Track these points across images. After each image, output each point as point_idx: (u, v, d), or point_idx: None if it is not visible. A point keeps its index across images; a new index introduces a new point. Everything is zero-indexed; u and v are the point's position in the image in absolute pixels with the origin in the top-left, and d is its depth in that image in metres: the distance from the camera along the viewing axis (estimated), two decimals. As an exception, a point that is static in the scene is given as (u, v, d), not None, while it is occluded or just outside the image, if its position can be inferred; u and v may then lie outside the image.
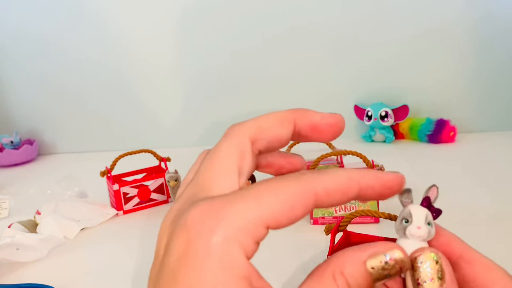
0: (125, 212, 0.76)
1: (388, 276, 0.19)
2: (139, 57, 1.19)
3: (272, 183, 0.19)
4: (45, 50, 1.21)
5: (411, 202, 0.21)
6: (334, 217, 0.64)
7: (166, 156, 0.80)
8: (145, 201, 0.78)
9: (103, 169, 0.76)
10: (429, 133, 1.05)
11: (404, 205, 0.22)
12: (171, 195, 0.73)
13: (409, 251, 0.20)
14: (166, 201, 0.79)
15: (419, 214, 0.21)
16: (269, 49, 1.15)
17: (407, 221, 0.21)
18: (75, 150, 1.29)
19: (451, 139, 1.05)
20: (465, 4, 1.05)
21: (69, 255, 0.62)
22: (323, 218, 0.64)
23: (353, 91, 1.16)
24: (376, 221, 0.63)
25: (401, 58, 1.11)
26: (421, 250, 0.20)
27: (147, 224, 0.71)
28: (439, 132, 1.04)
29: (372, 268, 0.19)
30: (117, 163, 0.76)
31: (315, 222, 0.64)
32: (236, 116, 1.20)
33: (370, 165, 0.64)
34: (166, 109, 1.23)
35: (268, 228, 0.18)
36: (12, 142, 1.20)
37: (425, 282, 0.19)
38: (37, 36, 1.20)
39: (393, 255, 0.19)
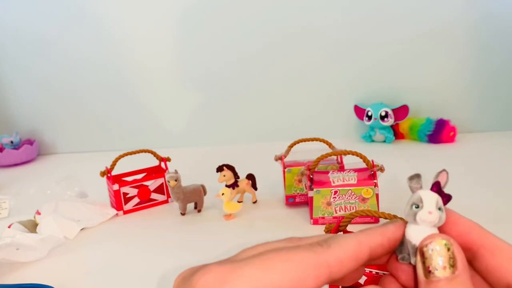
0: (125, 212, 0.76)
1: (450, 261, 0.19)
2: (139, 57, 1.19)
3: (283, 252, 0.19)
4: (46, 50, 1.21)
5: (421, 187, 0.21)
6: (334, 217, 0.64)
7: (166, 156, 0.80)
8: (145, 201, 0.78)
9: (103, 169, 0.76)
10: (429, 133, 1.05)
11: (413, 190, 0.21)
12: (171, 195, 0.73)
13: (419, 237, 0.20)
14: (166, 201, 0.79)
15: (430, 199, 0.20)
16: (270, 50, 1.15)
17: (417, 207, 0.20)
18: (75, 150, 1.29)
19: (451, 139, 1.05)
20: (465, 5, 1.05)
21: (69, 255, 0.62)
22: (323, 218, 0.64)
23: (353, 91, 1.16)
24: (376, 221, 0.63)
25: (401, 58, 1.11)
26: (431, 237, 0.19)
27: (147, 224, 0.71)
28: (439, 132, 1.04)
29: (429, 274, 0.19)
30: (117, 163, 0.76)
31: (315, 222, 0.64)
32: (236, 116, 1.21)
33: (370, 165, 0.64)
34: (166, 109, 1.23)
35: None
36: (12, 142, 1.20)
37: (437, 270, 0.19)
38: (37, 36, 1.20)
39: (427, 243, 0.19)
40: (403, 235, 0.21)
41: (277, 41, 1.14)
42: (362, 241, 0.20)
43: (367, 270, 0.40)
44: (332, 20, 1.11)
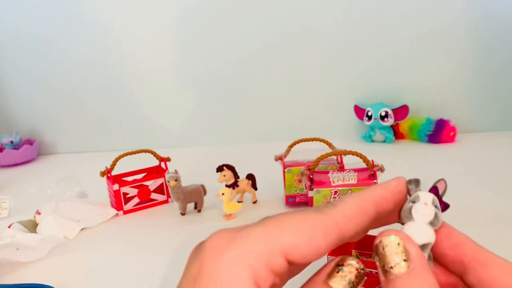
0: (125, 212, 0.76)
1: (353, 286, 0.19)
2: (139, 57, 1.19)
3: (292, 214, 0.19)
4: (46, 50, 1.21)
5: (416, 190, 0.21)
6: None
7: (166, 156, 0.80)
8: (145, 201, 0.78)
9: (103, 169, 0.76)
10: (429, 133, 1.05)
11: (411, 193, 0.21)
12: (171, 195, 0.73)
13: (416, 234, 0.19)
14: (166, 201, 0.79)
15: (427, 195, 0.20)
16: (270, 50, 1.15)
17: (414, 202, 0.20)
18: (75, 150, 1.29)
19: (451, 139, 1.05)
20: (465, 5, 1.05)
21: (69, 255, 0.62)
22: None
23: (353, 91, 1.16)
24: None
25: (401, 58, 1.11)
26: (381, 235, 0.19)
27: (147, 224, 0.71)
28: (439, 132, 1.04)
29: (332, 281, 0.19)
30: (117, 163, 0.76)
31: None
32: (236, 116, 1.21)
33: (370, 165, 0.63)
34: (166, 109, 1.23)
35: (287, 258, 0.18)
36: (12, 142, 1.20)
37: (392, 267, 0.18)
38: (37, 36, 1.20)
39: (343, 261, 0.19)
40: (406, 189, 0.21)
41: (277, 41, 1.14)
42: (365, 196, 0.20)
43: (367, 270, 0.40)
44: (332, 20, 1.11)
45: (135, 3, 1.15)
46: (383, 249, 0.19)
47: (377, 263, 0.19)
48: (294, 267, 0.19)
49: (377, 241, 0.19)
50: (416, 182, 0.21)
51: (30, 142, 1.25)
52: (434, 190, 0.21)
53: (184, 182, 0.72)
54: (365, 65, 1.13)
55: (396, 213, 0.22)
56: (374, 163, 0.64)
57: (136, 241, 0.65)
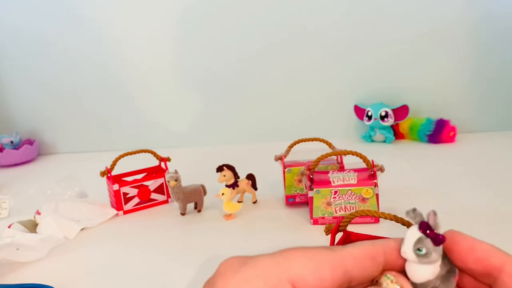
0: (125, 212, 0.76)
1: None
2: (139, 57, 1.19)
3: (302, 248, 0.20)
4: (46, 50, 1.21)
5: (417, 220, 0.21)
6: (334, 217, 0.64)
7: (166, 156, 0.80)
8: (145, 201, 0.77)
9: (103, 169, 0.76)
10: (429, 133, 1.05)
11: (408, 226, 0.21)
12: (171, 195, 0.73)
13: (410, 272, 0.20)
14: (166, 201, 0.79)
15: (409, 238, 0.20)
16: (270, 50, 1.15)
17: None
18: (75, 150, 1.29)
19: (451, 139, 1.05)
20: (465, 5, 1.05)
21: (69, 255, 0.62)
22: (323, 218, 0.64)
23: (353, 91, 1.16)
24: (376, 221, 0.63)
25: (401, 58, 1.11)
26: (380, 275, 0.20)
27: (147, 224, 0.71)
28: (439, 132, 1.04)
29: None
30: (117, 163, 0.76)
31: (315, 222, 0.64)
32: (236, 116, 1.21)
33: (370, 165, 0.64)
34: (166, 109, 1.23)
35: (293, 285, 0.18)
36: (12, 142, 1.20)
37: None
38: (37, 36, 1.20)
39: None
40: None
41: (277, 41, 1.14)
42: (376, 243, 0.21)
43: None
44: (332, 20, 1.11)
45: (135, 4, 1.15)
46: (381, 285, 0.20)
47: None
48: None
49: (378, 281, 0.21)
50: (413, 212, 0.21)
51: (30, 142, 1.25)
52: (421, 227, 0.20)
53: (184, 182, 0.72)
54: (365, 65, 1.13)
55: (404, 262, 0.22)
56: (374, 163, 0.64)
57: (136, 241, 0.65)
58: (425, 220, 0.20)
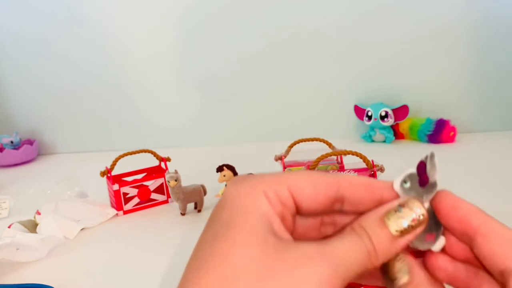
0: (125, 212, 0.76)
1: (407, 228, 0.19)
2: (139, 57, 1.19)
3: (301, 170, 0.22)
4: (46, 50, 1.21)
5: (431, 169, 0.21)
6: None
7: (166, 156, 0.80)
8: (145, 201, 0.77)
9: (103, 169, 0.76)
10: (429, 133, 1.05)
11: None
12: (171, 195, 0.73)
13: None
14: (166, 201, 0.79)
15: (404, 173, 0.21)
16: (270, 50, 1.15)
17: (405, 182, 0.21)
18: (75, 150, 1.29)
19: (451, 139, 1.05)
20: (465, 5, 1.05)
21: (69, 255, 0.62)
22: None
23: (353, 91, 1.16)
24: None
25: (401, 58, 1.11)
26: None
27: (147, 224, 0.71)
28: (439, 132, 1.04)
29: (388, 218, 0.20)
30: (117, 163, 0.76)
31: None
32: (236, 116, 1.21)
33: (370, 165, 0.63)
34: (166, 109, 1.23)
35: (292, 195, 0.21)
36: (12, 142, 1.20)
37: (396, 279, 0.20)
38: (37, 36, 1.20)
39: (407, 203, 0.20)
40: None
41: (277, 41, 1.14)
42: (373, 179, 0.22)
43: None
44: (332, 20, 1.11)
45: (135, 3, 1.15)
46: (388, 264, 0.20)
47: (385, 275, 0.21)
48: (301, 213, 0.22)
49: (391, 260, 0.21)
50: (431, 159, 0.21)
51: (30, 142, 1.25)
52: (419, 164, 0.21)
53: (184, 182, 0.72)
54: (365, 65, 1.13)
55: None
56: (374, 163, 0.64)
57: (136, 241, 0.65)
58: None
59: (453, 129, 1.05)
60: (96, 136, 1.28)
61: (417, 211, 0.20)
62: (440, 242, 0.21)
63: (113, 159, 0.76)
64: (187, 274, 0.19)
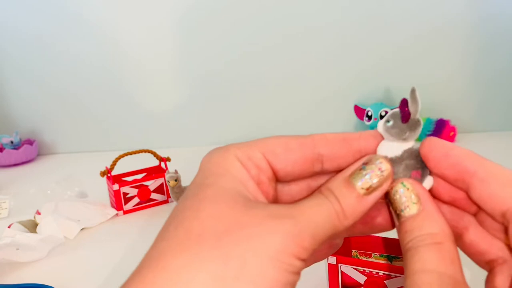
0: (125, 212, 0.76)
1: (373, 184, 0.19)
2: (139, 57, 1.19)
3: (277, 135, 0.22)
4: (46, 50, 1.21)
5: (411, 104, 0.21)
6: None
7: (166, 156, 0.80)
8: (145, 201, 0.78)
9: (103, 169, 0.76)
10: (429, 133, 1.05)
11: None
12: (171, 195, 0.73)
13: (383, 149, 0.21)
14: (166, 201, 0.79)
15: (387, 114, 0.21)
16: (270, 50, 1.15)
17: (388, 121, 0.21)
18: (75, 150, 1.29)
19: (451, 139, 1.05)
20: (465, 5, 1.05)
21: (69, 255, 0.62)
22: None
23: (353, 91, 1.16)
24: None
25: (401, 58, 1.11)
26: (392, 183, 0.20)
27: (147, 224, 0.71)
28: (439, 132, 1.04)
29: (353, 177, 0.20)
30: (117, 163, 0.76)
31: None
32: (236, 116, 1.21)
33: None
34: (167, 109, 1.23)
35: (264, 155, 0.21)
36: (12, 142, 1.20)
37: (402, 210, 0.20)
38: (37, 36, 1.20)
39: (370, 160, 0.20)
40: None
41: (277, 41, 1.14)
42: (351, 132, 0.23)
43: (367, 270, 0.40)
44: (332, 20, 1.11)
45: (134, 4, 1.15)
46: (394, 195, 0.20)
47: (391, 210, 0.20)
48: (281, 179, 0.22)
49: (388, 188, 0.20)
50: (413, 94, 0.21)
51: (30, 142, 1.25)
52: (402, 101, 0.21)
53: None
54: (365, 65, 1.13)
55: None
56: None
57: (136, 241, 0.65)
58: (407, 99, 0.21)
59: (453, 129, 1.05)
60: (96, 136, 1.28)
61: (381, 166, 0.20)
62: (428, 181, 0.21)
63: (113, 159, 0.76)
64: (160, 233, 0.20)
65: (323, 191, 0.20)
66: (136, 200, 0.77)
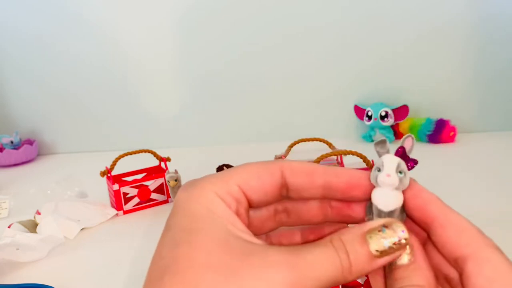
0: (125, 212, 0.76)
1: (388, 250, 0.19)
2: (139, 57, 1.19)
3: (246, 164, 0.22)
4: (46, 50, 1.21)
5: (387, 152, 0.22)
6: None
7: (166, 156, 0.80)
8: (145, 201, 0.77)
9: (103, 169, 0.76)
10: (429, 133, 1.05)
11: (379, 155, 0.22)
12: (171, 195, 0.73)
13: (382, 200, 0.21)
14: (166, 201, 0.79)
15: (391, 162, 0.21)
16: (270, 50, 1.14)
17: (379, 170, 0.21)
18: (75, 150, 1.29)
19: (451, 139, 1.05)
20: (465, 5, 1.05)
21: (69, 255, 0.62)
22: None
23: (353, 91, 1.16)
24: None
25: (401, 58, 1.11)
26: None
27: (147, 224, 0.71)
28: (439, 132, 1.04)
29: (370, 236, 0.19)
30: (117, 163, 0.76)
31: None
32: (236, 116, 1.21)
33: (370, 165, 0.63)
34: (167, 109, 1.23)
35: (240, 187, 0.21)
36: (12, 142, 1.20)
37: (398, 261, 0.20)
38: (37, 37, 1.20)
39: (390, 224, 0.20)
40: (369, 185, 0.22)
41: (277, 41, 1.14)
42: (319, 166, 0.22)
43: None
44: (332, 20, 1.11)
45: (135, 4, 1.15)
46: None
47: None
48: (252, 206, 0.22)
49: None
50: (383, 143, 0.22)
51: (30, 142, 1.25)
52: (400, 150, 0.21)
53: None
54: (365, 65, 1.13)
55: (342, 195, 0.22)
56: (374, 163, 0.64)
57: (136, 241, 0.65)
58: (402, 146, 0.21)
59: (453, 129, 1.05)
60: (96, 136, 1.28)
61: (400, 234, 0.19)
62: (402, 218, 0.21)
63: (113, 159, 0.76)
64: (150, 283, 0.18)
65: (334, 242, 0.19)
66: (136, 200, 0.76)
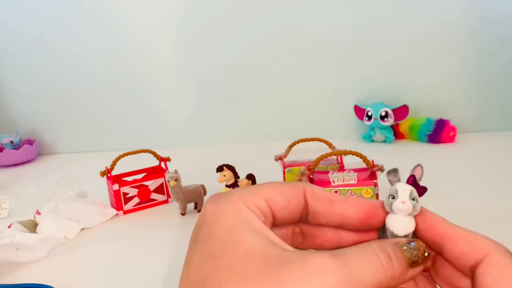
0: (125, 212, 0.76)
1: (418, 261, 0.21)
2: (140, 57, 1.19)
3: (272, 182, 0.23)
4: (46, 50, 1.21)
5: (398, 180, 0.23)
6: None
7: (166, 156, 0.80)
8: (145, 201, 0.77)
9: (103, 169, 0.76)
10: (429, 133, 1.05)
11: (391, 184, 0.23)
12: (171, 195, 0.73)
13: (397, 225, 0.22)
14: (166, 201, 0.79)
15: (404, 190, 0.22)
16: (271, 51, 1.15)
17: (393, 197, 0.22)
18: (75, 150, 1.29)
19: (451, 139, 1.05)
20: (466, 6, 1.06)
21: (69, 255, 0.62)
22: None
23: (353, 91, 1.16)
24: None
25: (401, 58, 1.11)
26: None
27: (147, 224, 0.71)
28: (439, 132, 1.04)
29: (403, 247, 0.21)
30: (117, 163, 0.76)
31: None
32: (236, 116, 1.21)
33: (370, 165, 0.63)
34: (166, 109, 1.23)
35: (267, 202, 0.21)
36: (12, 142, 1.20)
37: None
38: (37, 36, 1.20)
39: (414, 240, 0.21)
40: (380, 212, 0.23)
41: (277, 42, 1.14)
42: (340, 195, 0.23)
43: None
44: (333, 22, 1.11)
45: (135, 5, 1.15)
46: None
47: None
48: (275, 224, 0.23)
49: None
50: (395, 172, 0.23)
51: (30, 142, 1.25)
52: (411, 178, 0.23)
53: (184, 182, 0.72)
54: (365, 65, 1.13)
55: (359, 224, 0.23)
56: (374, 163, 0.64)
57: (136, 241, 0.65)
58: (412, 174, 0.23)
59: (453, 129, 1.05)
60: (96, 136, 1.28)
61: (424, 247, 0.21)
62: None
63: (113, 159, 0.76)
64: None
65: (374, 246, 0.20)
66: (136, 200, 0.76)
